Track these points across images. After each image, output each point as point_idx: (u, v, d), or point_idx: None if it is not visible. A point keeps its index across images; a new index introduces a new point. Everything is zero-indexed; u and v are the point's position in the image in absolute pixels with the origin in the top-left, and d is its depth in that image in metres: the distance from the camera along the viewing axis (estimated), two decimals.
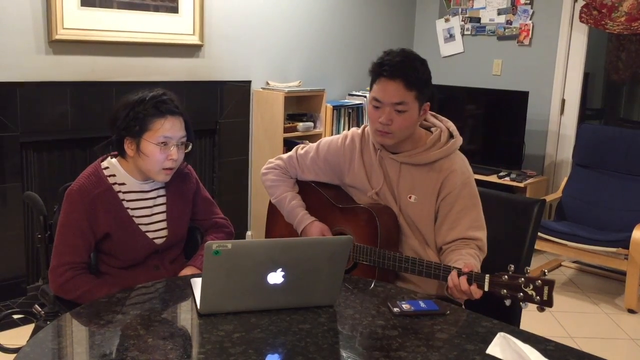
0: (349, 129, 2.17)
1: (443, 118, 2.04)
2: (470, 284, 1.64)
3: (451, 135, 1.98)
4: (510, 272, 1.58)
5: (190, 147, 1.94)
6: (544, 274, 1.53)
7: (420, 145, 1.95)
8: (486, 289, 1.62)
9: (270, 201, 2.21)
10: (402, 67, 1.85)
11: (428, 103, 1.94)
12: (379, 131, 1.90)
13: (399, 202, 1.97)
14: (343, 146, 2.08)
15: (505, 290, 1.57)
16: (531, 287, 1.53)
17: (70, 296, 1.82)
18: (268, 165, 2.22)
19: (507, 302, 1.59)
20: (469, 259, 1.80)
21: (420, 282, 1.91)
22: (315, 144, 2.16)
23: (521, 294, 1.55)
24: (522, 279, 1.55)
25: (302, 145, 2.20)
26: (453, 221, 1.90)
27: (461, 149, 1.99)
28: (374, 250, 1.89)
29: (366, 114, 4.55)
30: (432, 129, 2.00)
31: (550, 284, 1.52)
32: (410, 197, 1.95)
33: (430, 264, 1.77)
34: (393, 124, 1.87)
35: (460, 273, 1.67)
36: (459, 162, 1.95)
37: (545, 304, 1.52)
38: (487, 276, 1.62)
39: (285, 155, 2.21)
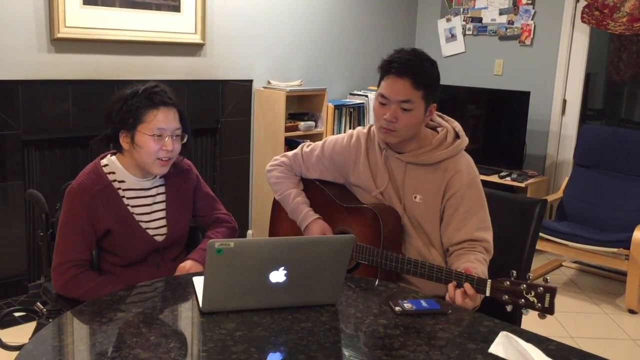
0: (350, 129, 2.16)
1: (449, 118, 2.04)
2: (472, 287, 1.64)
3: (457, 136, 1.97)
4: (513, 278, 1.57)
5: (186, 139, 1.93)
6: (546, 280, 1.52)
7: (426, 145, 1.95)
8: (487, 294, 1.61)
9: (274, 198, 2.21)
10: (411, 66, 1.85)
11: (435, 104, 1.94)
12: (383, 128, 1.91)
13: (403, 202, 1.97)
14: (349, 145, 2.08)
15: (506, 296, 1.56)
16: (533, 293, 1.52)
17: (74, 294, 1.81)
18: (273, 162, 2.22)
19: (509, 308, 1.58)
20: (477, 265, 1.79)
21: (423, 284, 1.89)
22: (320, 142, 2.16)
23: (523, 300, 1.54)
24: (524, 285, 1.54)
25: (307, 143, 2.20)
26: (460, 222, 1.90)
27: None
28: (376, 251, 1.88)
29: (368, 113, 4.58)
30: (438, 129, 2.00)
31: (552, 291, 1.51)
32: (415, 197, 1.95)
33: (433, 266, 1.76)
34: (398, 122, 1.87)
35: (464, 279, 1.66)
36: (464, 162, 1.94)
37: (546, 311, 1.51)
38: (489, 281, 1.61)
39: (290, 153, 2.21)
